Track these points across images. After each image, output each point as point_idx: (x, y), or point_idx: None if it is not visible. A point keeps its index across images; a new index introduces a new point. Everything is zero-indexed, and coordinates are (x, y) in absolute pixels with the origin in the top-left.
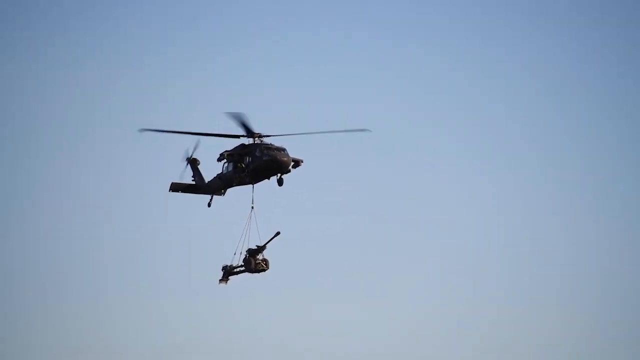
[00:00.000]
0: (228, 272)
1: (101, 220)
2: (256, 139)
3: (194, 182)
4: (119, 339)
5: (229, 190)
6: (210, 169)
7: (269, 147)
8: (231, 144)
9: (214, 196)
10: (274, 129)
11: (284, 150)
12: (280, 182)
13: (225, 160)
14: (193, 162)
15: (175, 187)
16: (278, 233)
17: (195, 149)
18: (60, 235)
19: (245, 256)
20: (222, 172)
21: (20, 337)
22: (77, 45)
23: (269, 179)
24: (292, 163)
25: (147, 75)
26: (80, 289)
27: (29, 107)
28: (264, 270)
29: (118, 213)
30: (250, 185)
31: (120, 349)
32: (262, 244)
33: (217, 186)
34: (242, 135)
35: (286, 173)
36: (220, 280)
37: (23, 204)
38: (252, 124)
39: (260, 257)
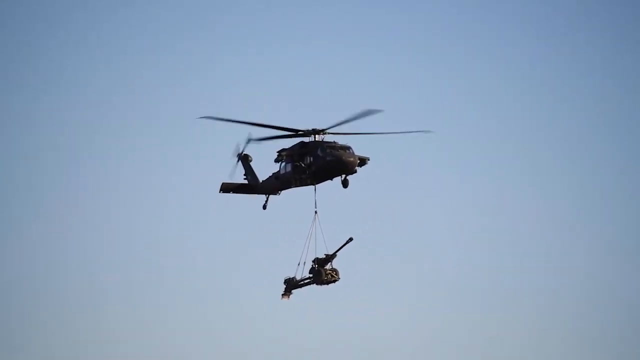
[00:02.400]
0: (292, 285)
1: (140, 231)
2: (317, 136)
3: (246, 182)
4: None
5: (286, 191)
6: (263, 168)
7: (333, 145)
8: (277, 139)
9: (270, 197)
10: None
11: (349, 148)
12: (345, 184)
13: (282, 160)
14: (245, 159)
15: (226, 188)
16: (350, 239)
17: (246, 143)
18: (102, 238)
19: (313, 266)
20: (279, 172)
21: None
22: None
23: (332, 179)
24: (358, 162)
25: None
26: (130, 297)
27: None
28: (334, 281)
29: (161, 218)
30: (312, 187)
31: None
32: (332, 252)
33: (274, 187)
34: (302, 132)
35: (352, 174)
36: (282, 294)
37: (84, 197)
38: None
39: (328, 266)
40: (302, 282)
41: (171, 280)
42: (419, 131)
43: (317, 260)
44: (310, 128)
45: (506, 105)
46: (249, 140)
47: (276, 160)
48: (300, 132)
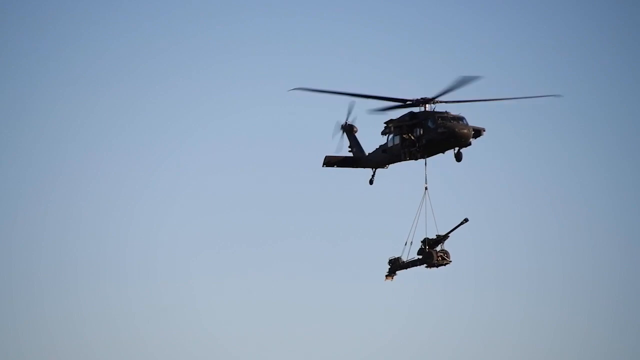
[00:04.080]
0: (398, 266)
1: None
2: (427, 105)
3: (351, 154)
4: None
5: (395, 166)
6: (368, 140)
7: (444, 116)
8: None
9: (377, 171)
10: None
11: (462, 119)
12: (458, 157)
13: (391, 132)
14: (349, 130)
15: (330, 161)
16: (466, 220)
17: (350, 113)
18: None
19: (422, 247)
20: (386, 144)
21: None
22: None
23: (443, 152)
24: (473, 133)
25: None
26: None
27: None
28: (445, 264)
29: (263, 195)
30: (422, 160)
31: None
32: (444, 233)
33: (381, 160)
34: (410, 102)
35: (466, 146)
36: (386, 275)
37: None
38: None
39: (437, 248)
40: (409, 264)
41: (273, 260)
42: (548, 95)
43: (427, 241)
44: (419, 97)
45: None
46: (350, 111)
47: (383, 133)
48: (408, 102)
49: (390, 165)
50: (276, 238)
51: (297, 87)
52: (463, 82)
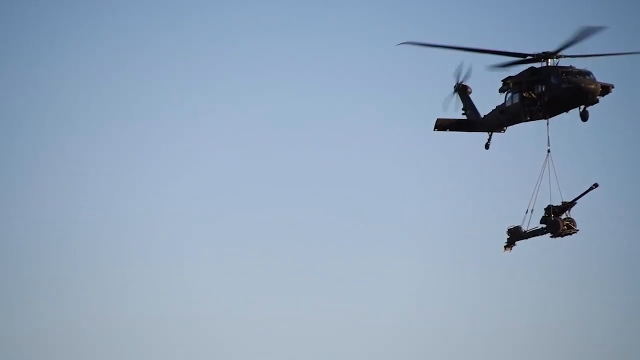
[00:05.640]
0: (518, 236)
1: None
2: (550, 60)
3: (464, 117)
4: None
5: (513, 127)
6: (485, 101)
7: (569, 71)
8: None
9: (493, 134)
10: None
11: (589, 74)
12: (584, 116)
13: (509, 90)
14: (463, 91)
15: (442, 125)
16: (595, 185)
17: (463, 72)
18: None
19: (545, 215)
20: (504, 104)
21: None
22: None
23: (567, 111)
24: (600, 90)
25: None
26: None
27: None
28: (571, 233)
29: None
30: (544, 121)
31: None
32: (571, 200)
33: (498, 122)
34: (531, 57)
35: (592, 104)
36: (505, 246)
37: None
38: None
39: (563, 216)
40: (531, 233)
41: (390, 232)
42: None
43: (551, 209)
44: (540, 51)
45: None
46: (463, 70)
47: (501, 90)
48: (529, 57)
49: (509, 127)
50: (384, 208)
51: (407, 41)
52: (586, 33)
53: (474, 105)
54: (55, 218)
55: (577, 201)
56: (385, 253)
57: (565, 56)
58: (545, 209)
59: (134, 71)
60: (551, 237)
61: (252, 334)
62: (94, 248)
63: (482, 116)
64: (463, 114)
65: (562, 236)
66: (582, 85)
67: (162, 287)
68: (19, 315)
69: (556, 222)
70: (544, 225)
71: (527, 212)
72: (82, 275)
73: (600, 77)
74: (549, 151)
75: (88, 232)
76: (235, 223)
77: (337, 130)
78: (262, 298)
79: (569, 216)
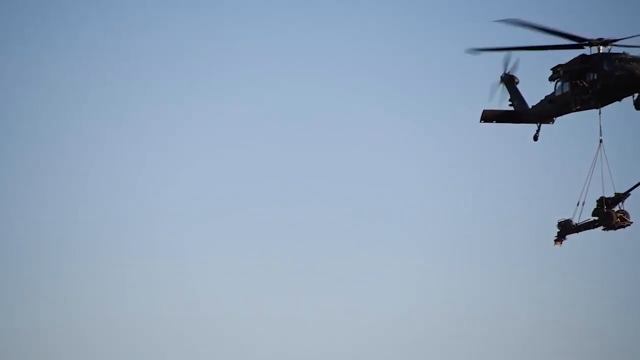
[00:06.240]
0: (569, 229)
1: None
2: (603, 47)
3: (512, 108)
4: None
5: (562, 118)
6: (533, 92)
7: (622, 57)
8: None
9: (542, 126)
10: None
11: None
12: (638, 105)
13: (559, 78)
14: (510, 81)
15: (488, 116)
16: None
17: (510, 63)
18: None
19: (597, 207)
20: (553, 94)
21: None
22: None
23: (620, 100)
24: None
25: None
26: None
27: None
28: (625, 225)
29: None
30: (595, 110)
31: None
32: (625, 191)
33: (547, 112)
34: (586, 42)
35: None
36: (555, 240)
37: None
38: None
39: (615, 208)
40: (582, 226)
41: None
42: None
43: (603, 200)
44: (595, 37)
45: None
46: (508, 58)
47: (551, 79)
48: (584, 42)
49: (559, 117)
50: (429, 199)
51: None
52: None
53: (521, 96)
54: (55, 218)
55: (631, 192)
56: (394, 253)
57: (622, 45)
58: (597, 201)
59: (132, 69)
60: (604, 229)
61: (252, 333)
62: (93, 248)
63: (531, 107)
64: (510, 105)
65: (615, 229)
66: (637, 72)
67: (162, 287)
68: (19, 315)
69: (609, 214)
70: (596, 218)
71: (578, 205)
72: (82, 275)
73: None
74: (601, 141)
75: (88, 232)
76: (235, 223)
77: (339, 129)
78: (262, 298)
79: (622, 208)
